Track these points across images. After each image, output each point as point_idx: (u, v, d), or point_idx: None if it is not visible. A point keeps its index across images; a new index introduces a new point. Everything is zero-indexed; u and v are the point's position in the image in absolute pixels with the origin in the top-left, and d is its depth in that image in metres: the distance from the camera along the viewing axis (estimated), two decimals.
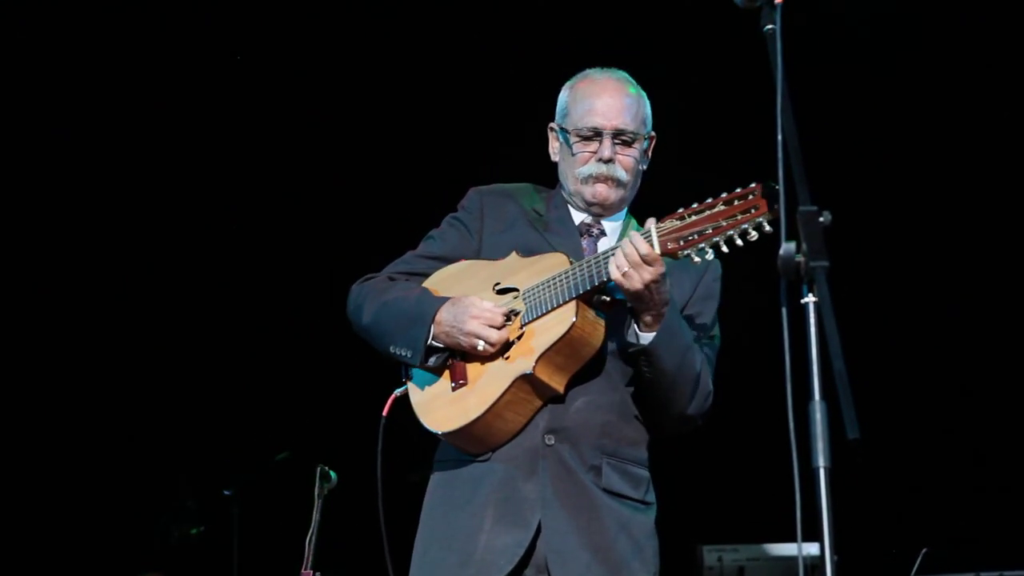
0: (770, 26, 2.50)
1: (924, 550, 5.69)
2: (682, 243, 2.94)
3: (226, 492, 5.74)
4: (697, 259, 2.95)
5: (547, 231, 3.32)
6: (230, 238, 6.60)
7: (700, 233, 2.91)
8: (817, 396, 2.19)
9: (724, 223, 2.88)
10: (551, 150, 3.44)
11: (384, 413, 3.28)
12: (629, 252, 2.97)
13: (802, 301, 2.25)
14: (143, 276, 6.61)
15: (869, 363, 5.72)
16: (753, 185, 2.86)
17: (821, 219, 2.27)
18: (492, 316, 3.13)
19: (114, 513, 6.45)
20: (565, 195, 3.40)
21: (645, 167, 3.40)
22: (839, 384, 2.11)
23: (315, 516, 5.03)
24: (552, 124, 3.42)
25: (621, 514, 3.15)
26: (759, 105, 2.71)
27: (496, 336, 3.12)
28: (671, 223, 2.97)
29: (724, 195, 2.91)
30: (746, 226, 2.86)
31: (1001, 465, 6.49)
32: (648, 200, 3.43)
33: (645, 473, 3.25)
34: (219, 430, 6.47)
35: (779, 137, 2.37)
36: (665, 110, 3.43)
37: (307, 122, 6.55)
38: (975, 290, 6.49)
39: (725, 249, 2.91)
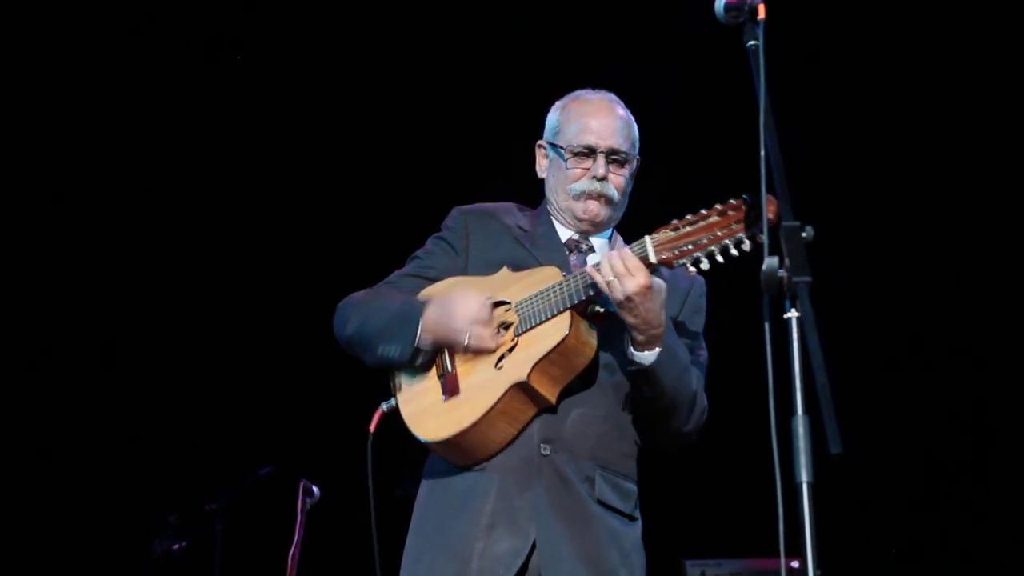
0: (753, 42, 2.51)
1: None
2: (677, 252, 2.96)
3: (208, 507, 5.72)
4: (692, 269, 2.97)
5: (533, 246, 3.33)
6: (213, 252, 6.59)
7: (695, 243, 2.93)
8: (800, 411, 2.19)
9: (719, 232, 2.91)
10: (538, 167, 3.45)
11: (371, 428, 3.27)
12: (615, 262, 2.99)
13: (785, 316, 2.26)
14: (126, 289, 6.59)
15: (852, 378, 5.74)
16: (746, 196, 2.87)
17: (804, 234, 2.28)
18: (479, 311, 3.12)
19: (96, 528, 6.41)
20: (552, 211, 3.41)
21: (631, 188, 3.41)
22: (822, 399, 2.12)
23: (298, 531, 5.02)
24: (541, 141, 3.44)
25: (612, 526, 3.16)
26: (742, 120, 2.71)
27: (486, 332, 3.12)
28: (665, 233, 2.98)
29: (718, 206, 2.93)
30: (741, 235, 2.88)
31: (987, 479, 6.50)
32: (631, 217, 3.44)
33: (634, 488, 3.26)
34: (202, 444, 6.44)
35: (762, 152, 2.38)
36: (648, 126, 3.44)
37: (289, 139, 6.54)
38: (958, 303, 6.52)
39: (720, 259, 2.92)
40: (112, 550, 6.35)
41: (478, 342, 3.13)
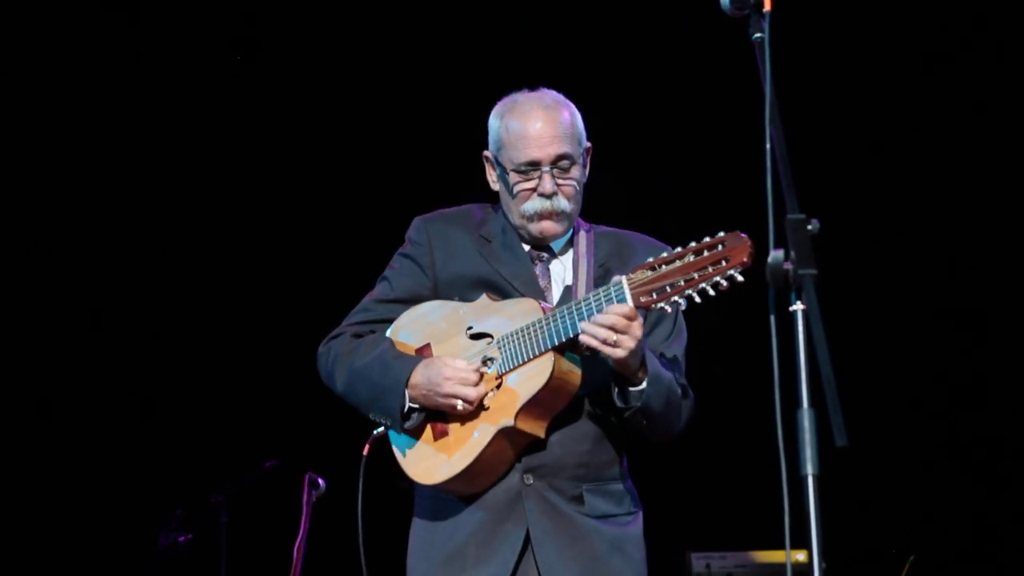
0: (758, 34, 2.51)
1: (911, 557, 5.70)
2: (656, 296, 2.92)
3: (214, 499, 5.72)
4: (669, 310, 2.96)
5: (497, 262, 3.29)
6: (216, 247, 6.59)
7: (673, 285, 2.90)
8: (805, 404, 2.20)
9: (696, 275, 2.87)
10: (489, 179, 3.37)
11: (364, 452, 3.26)
12: (615, 321, 2.94)
13: (790, 309, 2.26)
14: (130, 282, 6.59)
15: (858, 371, 5.73)
16: (721, 234, 2.86)
17: (809, 227, 2.28)
18: (467, 375, 3.11)
19: (102, 521, 6.42)
20: (511, 222, 3.34)
21: (585, 179, 3.33)
22: (827, 391, 2.12)
23: (303, 524, 5.03)
24: (486, 153, 3.35)
25: (611, 534, 3.18)
26: (747, 113, 2.71)
27: (474, 394, 3.09)
28: (643, 274, 2.95)
29: (693, 244, 2.90)
30: (718, 278, 2.85)
31: (989, 472, 6.49)
32: (638, 214, 3.41)
33: (626, 485, 3.27)
34: (207, 437, 6.44)
35: (767, 145, 2.38)
36: (655, 117, 3.41)
37: (294, 133, 6.54)
38: (964, 296, 6.50)
39: (699, 300, 2.90)
40: (117, 543, 6.35)
41: (470, 405, 3.11)
